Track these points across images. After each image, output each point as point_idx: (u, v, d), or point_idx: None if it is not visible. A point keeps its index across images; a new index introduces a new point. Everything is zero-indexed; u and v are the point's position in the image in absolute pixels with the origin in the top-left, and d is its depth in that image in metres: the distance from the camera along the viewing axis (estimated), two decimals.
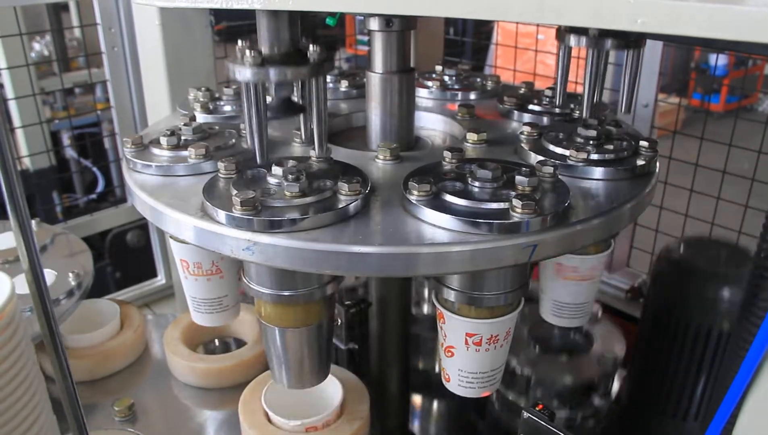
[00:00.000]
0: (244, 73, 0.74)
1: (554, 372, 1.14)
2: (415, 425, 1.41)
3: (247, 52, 0.74)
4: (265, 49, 0.78)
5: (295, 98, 0.87)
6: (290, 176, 0.76)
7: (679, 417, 1.15)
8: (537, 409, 0.95)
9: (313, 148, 0.84)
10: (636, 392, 1.23)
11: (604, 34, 0.86)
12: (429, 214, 0.74)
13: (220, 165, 0.83)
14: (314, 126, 0.82)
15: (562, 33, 0.89)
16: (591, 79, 0.91)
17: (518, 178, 0.76)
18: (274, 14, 0.76)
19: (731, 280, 1.07)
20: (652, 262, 1.21)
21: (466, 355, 0.88)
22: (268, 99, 0.81)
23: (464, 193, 0.76)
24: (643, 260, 1.70)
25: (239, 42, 0.77)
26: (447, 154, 0.85)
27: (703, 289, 1.08)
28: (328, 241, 0.71)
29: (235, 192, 0.75)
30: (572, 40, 0.87)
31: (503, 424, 1.25)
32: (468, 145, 0.98)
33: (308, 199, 0.75)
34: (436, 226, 0.73)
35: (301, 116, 0.87)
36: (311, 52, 0.77)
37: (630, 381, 1.26)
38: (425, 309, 1.62)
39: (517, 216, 0.72)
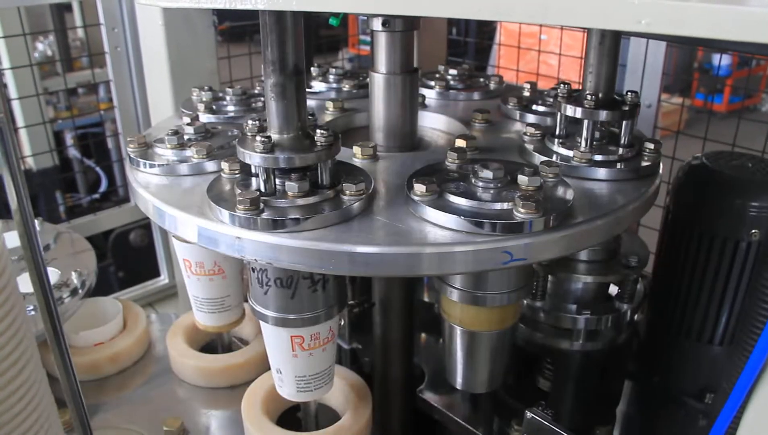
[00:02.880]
0: (253, 158, 0.75)
1: (574, 272, 1.07)
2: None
3: (257, 138, 0.75)
4: (273, 134, 0.78)
5: None
6: (293, 175, 0.76)
7: (704, 340, 1.10)
8: (540, 409, 0.95)
9: None
10: (657, 315, 1.17)
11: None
12: (433, 214, 0.74)
13: (224, 165, 0.83)
14: None
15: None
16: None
17: (521, 178, 0.76)
18: (284, 97, 0.77)
19: (759, 188, 1.00)
20: (655, 262, 1.20)
21: None
22: None
23: (468, 193, 0.76)
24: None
25: (249, 122, 0.79)
26: (450, 154, 0.85)
27: (729, 198, 1.01)
28: (332, 241, 0.71)
29: (238, 191, 0.75)
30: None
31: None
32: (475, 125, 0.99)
33: (312, 199, 0.75)
34: (440, 226, 0.73)
35: None
36: (318, 137, 0.77)
37: (650, 304, 1.19)
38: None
39: (520, 216, 0.72)
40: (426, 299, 1.53)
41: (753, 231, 1.00)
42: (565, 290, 1.07)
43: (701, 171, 1.06)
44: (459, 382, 1.01)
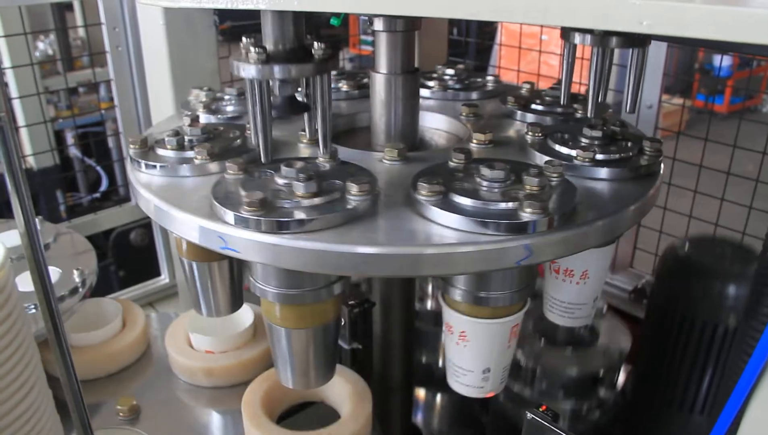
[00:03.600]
0: (248, 70, 0.74)
1: (559, 364, 1.13)
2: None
3: (252, 49, 0.74)
4: (269, 47, 0.77)
5: (299, 97, 0.87)
6: (300, 176, 0.76)
7: (686, 410, 1.14)
8: (541, 410, 0.95)
9: (318, 148, 0.84)
10: (641, 385, 1.23)
11: (610, 32, 0.86)
12: (438, 214, 0.74)
13: (228, 165, 0.83)
14: (318, 124, 0.82)
15: (567, 31, 0.89)
16: (596, 78, 0.91)
17: (526, 178, 0.76)
18: (279, 12, 0.76)
19: (737, 277, 1.07)
20: (655, 263, 1.21)
21: None
22: (273, 99, 0.82)
23: (473, 193, 0.76)
24: (647, 261, 1.70)
25: (244, 39, 0.77)
26: (454, 154, 0.85)
27: (708, 285, 1.08)
28: (337, 242, 0.71)
29: (243, 192, 0.75)
30: (577, 38, 0.87)
31: (508, 417, 1.24)
32: (473, 145, 0.98)
33: (317, 200, 0.75)
34: (445, 226, 0.73)
35: (306, 115, 0.87)
36: (316, 50, 0.77)
37: (635, 375, 1.25)
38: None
39: (526, 216, 0.72)
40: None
41: (729, 316, 1.06)
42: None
43: (682, 261, 1.15)
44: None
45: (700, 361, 1.13)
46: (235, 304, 1.01)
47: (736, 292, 1.07)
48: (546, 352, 1.15)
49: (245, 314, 1.34)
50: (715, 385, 1.12)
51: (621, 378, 1.28)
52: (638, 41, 0.87)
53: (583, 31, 0.87)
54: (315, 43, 0.77)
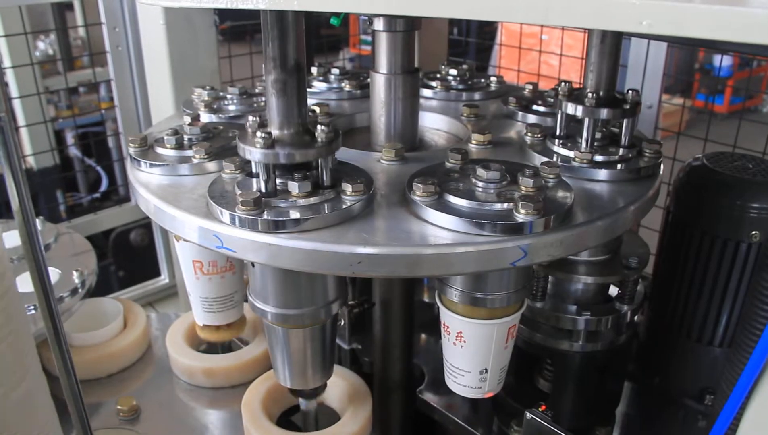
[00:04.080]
0: (253, 154, 0.75)
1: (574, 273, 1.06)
2: None
3: (258, 133, 0.75)
4: (274, 130, 0.78)
5: None
6: (296, 176, 0.76)
7: (704, 342, 1.09)
8: (540, 410, 0.95)
9: None
10: (657, 316, 1.16)
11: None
12: (433, 215, 0.74)
13: (225, 164, 0.83)
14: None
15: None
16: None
17: (522, 179, 0.76)
18: (285, 93, 0.77)
19: (760, 189, 1.00)
20: (656, 264, 1.20)
21: None
22: None
23: (468, 194, 0.76)
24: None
25: (250, 118, 0.79)
26: (451, 155, 0.85)
27: (729, 199, 1.00)
28: (332, 242, 0.71)
29: (239, 192, 0.75)
30: None
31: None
32: (473, 146, 0.98)
33: (312, 200, 0.75)
34: (440, 227, 0.73)
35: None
36: (319, 133, 0.77)
37: (651, 305, 1.19)
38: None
39: (520, 217, 0.72)
40: (426, 300, 1.53)
41: (753, 232, 1.00)
42: (564, 291, 1.07)
43: (701, 172, 1.06)
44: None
45: (720, 285, 1.05)
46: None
47: (760, 205, 0.99)
48: (558, 262, 1.05)
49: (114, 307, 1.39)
50: (736, 314, 1.05)
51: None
52: (630, 113, 0.89)
53: None
54: (319, 127, 0.78)
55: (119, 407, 1.20)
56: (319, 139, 0.77)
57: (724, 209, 1.02)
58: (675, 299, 1.10)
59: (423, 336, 1.41)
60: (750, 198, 1.00)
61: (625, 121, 0.90)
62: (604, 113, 0.87)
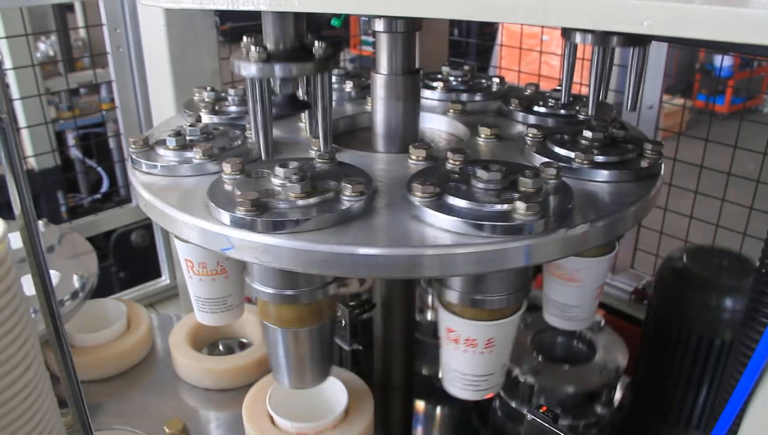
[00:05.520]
0: (249, 68, 0.74)
1: (557, 381, 1.14)
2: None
3: (252, 48, 0.74)
4: (270, 45, 0.77)
5: (300, 95, 0.87)
6: (294, 177, 0.76)
7: (682, 425, 1.15)
8: (541, 411, 0.95)
9: (318, 145, 0.84)
10: (638, 400, 1.24)
11: (610, 31, 0.86)
12: (432, 216, 0.74)
13: (225, 165, 0.83)
14: (319, 122, 0.82)
15: (568, 31, 0.89)
16: (596, 77, 0.91)
17: (522, 179, 0.76)
18: (280, 12, 0.76)
19: (734, 290, 1.07)
20: (656, 264, 1.21)
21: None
22: (273, 97, 0.82)
23: (467, 195, 0.76)
24: (648, 262, 1.70)
25: (244, 38, 0.77)
26: (450, 156, 0.85)
27: (705, 299, 1.08)
28: (332, 243, 0.71)
29: (238, 193, 0.75)
30: (578, 37, 0.87)
31: (506, 432, 1.25)
32: (480, 139, 0.99)
33: (311, 200, 0.75)
34: (440, 228, 0.73)
35: (306, 113, 0.87)
36: (316, 49, 0.77)
37: (633, 389, 1.26)
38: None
39: (520, 218, 0.71)
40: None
41: (726, 331, 1.07)
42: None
43: (681, 270, 1.15)
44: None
45: (696, 375, 1.13)
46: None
47: (734, 305, 1.07)
48: (543, 368, 1.15)
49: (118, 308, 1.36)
50: (711, 400, 1.12)
51: (618, 392, 1.29)
52: (639, 40, 0.87)
53: (584, 30, 0.87)
54: (315, 42, 0.77)
55: (168, 430, 1.14)
56: (316, 55, 0.76)
57: (700, 308, 1.10)
58: (655, 386, 1.17)
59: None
60: (722, 299, 1.08)
61: (635, 51, 0.88)
62: (615, 41, 0.86)
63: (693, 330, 1.09)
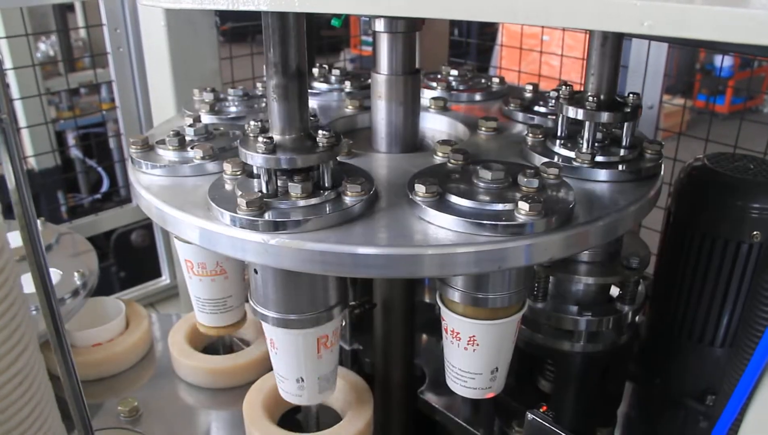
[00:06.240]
0: (255, 159, 0.75)
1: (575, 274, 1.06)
2: None
3: (260, 138, 0.75)
4: (275, 135, 0.78)
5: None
6: (296, 177, 0.76)
7: (706, 342, 1.10)
8: (541, 410, 0.95)
9: None
10: (659, 316, 1.17)
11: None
12: (434, 215, 0.74)
13: (225, 166, 0.83)
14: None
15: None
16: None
17: (523, 179, 0.76)
18: (286, 98, 0.77)
19: (762, 188, 1.00)
20: (657, 264, 1.19)
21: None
22: None
23: (469, 194, 0.76)
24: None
25: (251, 123, 0.79)
26: (453, 155, 0.85)
27: (732, 199, 1.00)
28: (333, 242, 0.71)
29: (240, 193, 0.75)
30: None
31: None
32: (481, 132, 1.00)
33: (313, 200, 0.75)
34: (441, 227, 0.73)
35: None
36: (320, 138, 0.77)
37: (652, 306, 1.18)
38: None
39: (522, 217, 0.72)
40: (427, 300, 1.53)
41: (754, 233, 1.00)
42: (566, 291, 1.07)
43: (702, 172, 1.06)
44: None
45: (721, 285, 1.04)
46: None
47: (762, 204, 0.99)
48: (560, 263, 1.04)
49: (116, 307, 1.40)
50: (737, 314, 1.05)
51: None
52: (630, 116, 0.89)
53: None
54: (320, 131, 0.78)
55: (120, 408, 1.20)
56: (320, 144, 0.77)
57: (725, 210, 1.02)
58: (676, 300, 1.10)
59: (424, 336, 1.41)
60: (751, 198, 1.00)
61: (625, 124, 0.90)
62: (604, 117, 0.87)
63: (718, 234, 1.02)
